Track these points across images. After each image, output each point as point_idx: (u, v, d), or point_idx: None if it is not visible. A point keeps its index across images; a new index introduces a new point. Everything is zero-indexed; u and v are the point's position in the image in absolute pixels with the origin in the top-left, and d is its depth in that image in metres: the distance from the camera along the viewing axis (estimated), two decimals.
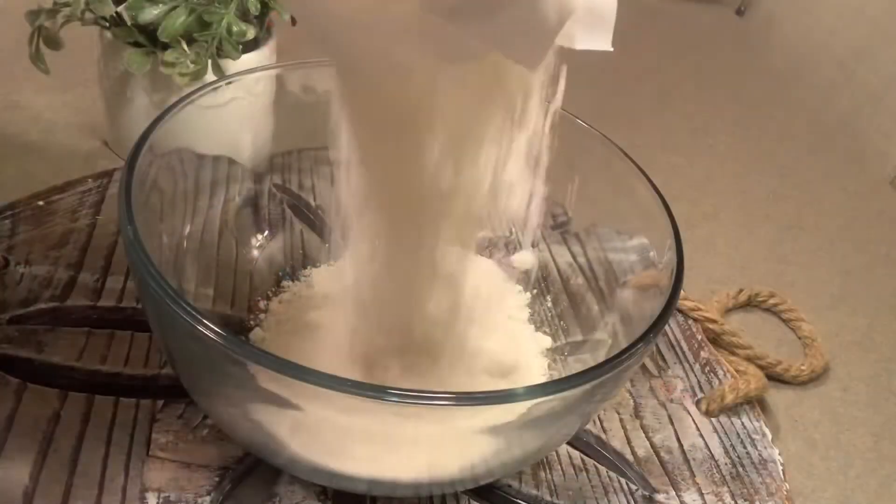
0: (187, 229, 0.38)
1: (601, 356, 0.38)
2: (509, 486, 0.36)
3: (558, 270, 0.45)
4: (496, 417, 0.27)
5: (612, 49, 0.23)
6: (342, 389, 0.24)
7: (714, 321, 0.48)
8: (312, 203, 0.46)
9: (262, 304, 0.41)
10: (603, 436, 0.40)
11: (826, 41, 0.95)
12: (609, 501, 0.37)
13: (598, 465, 0.38)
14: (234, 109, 0.38)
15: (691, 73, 0.94)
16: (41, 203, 0.45)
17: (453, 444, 0.29)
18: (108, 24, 0.47)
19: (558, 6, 0.20)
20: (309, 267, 0.44)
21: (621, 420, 0.41)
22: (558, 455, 0.38)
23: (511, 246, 0.46)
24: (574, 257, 0.44)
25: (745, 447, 0.41)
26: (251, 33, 0.48)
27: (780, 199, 0.70)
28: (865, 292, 0.60)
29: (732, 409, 0.43)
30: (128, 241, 0.28)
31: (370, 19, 0.22)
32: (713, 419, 0.42)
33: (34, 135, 0.55)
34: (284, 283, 0.43)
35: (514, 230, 0.47)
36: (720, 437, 0.41)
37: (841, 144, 0.83)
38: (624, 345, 0.30)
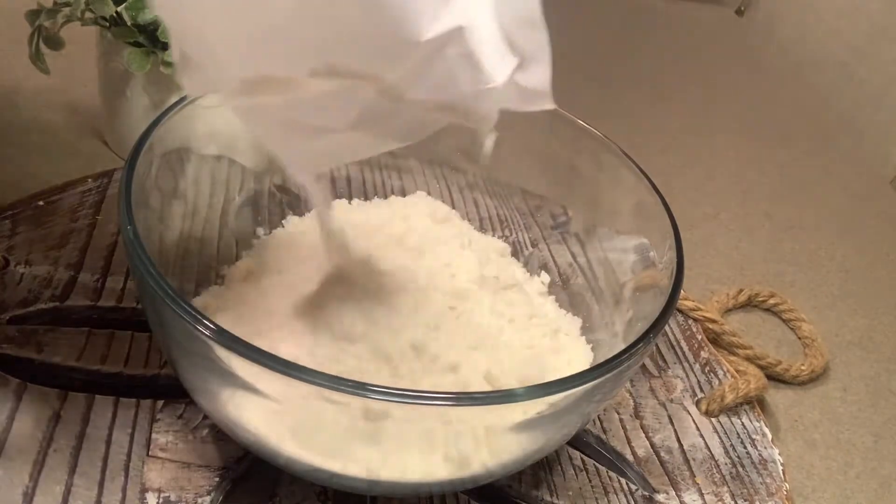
0: (187, 229, 0.38)
1: (601, 356, 0.38)
2: (509, 486, 0.36)
3: (558, 270, 0.45)
4: (496, 417, 0.28)
5: (554, 107, 0.25)
6: (345, 390, 0.24)
7: (714, 321, 0.48)
8: (312, 203, 0.46)
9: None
10: (603, 436, 0.40)
11: (826, 41, 0.95)
12: (609, 501, 0.37)
13: (598, 465, 0.38)
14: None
15: (691, 73, 0.94)
16: (41, 203, 0.45)
17: (453, 444, 0.29)
18: (108, 24, 0.47)
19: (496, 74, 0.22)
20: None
21: (621, 420, 0.41)
22: (558, 455, 0.38)
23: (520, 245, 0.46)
24: (574, 257, 0.44)
25: (745, 447, 0.41)
26: None
27: (780, 199, 0.70)
28: (865, 292, 0.60)
29: (732, 409, 0.43)
30: (128, 241, 0.28)
31: (324, 119, 0.24)
32: (713, 419, 0.42)
33: (34, 135, 0.55)
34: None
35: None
36: (720, 437, 0.41)
37: (841, 144, 0.83)
38: (624, 345, 0.30)
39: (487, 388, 0.33)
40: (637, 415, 0.41)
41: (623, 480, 0.38)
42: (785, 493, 0.39)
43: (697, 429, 0.41)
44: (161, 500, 0.32)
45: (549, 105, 0.25)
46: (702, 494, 0.38)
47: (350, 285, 0.34)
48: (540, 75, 0.24)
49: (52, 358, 0.37)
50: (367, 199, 0.46)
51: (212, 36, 0.22)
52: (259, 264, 0.40)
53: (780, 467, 0.40)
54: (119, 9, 0.45)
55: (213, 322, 0.25)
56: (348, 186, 0.47)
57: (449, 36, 0.21)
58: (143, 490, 0.32)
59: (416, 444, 0.29)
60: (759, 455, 0.41)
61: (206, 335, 0.25)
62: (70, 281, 0.40)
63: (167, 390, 0.36)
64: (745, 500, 0.38)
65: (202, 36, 0.22)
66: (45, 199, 0.45)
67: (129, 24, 0.46)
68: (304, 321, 0.33)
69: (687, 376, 0.45)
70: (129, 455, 0.33)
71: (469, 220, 0.47)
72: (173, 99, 0.36)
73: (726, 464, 0.40)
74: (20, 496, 0.31)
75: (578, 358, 0.39)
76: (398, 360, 0.32)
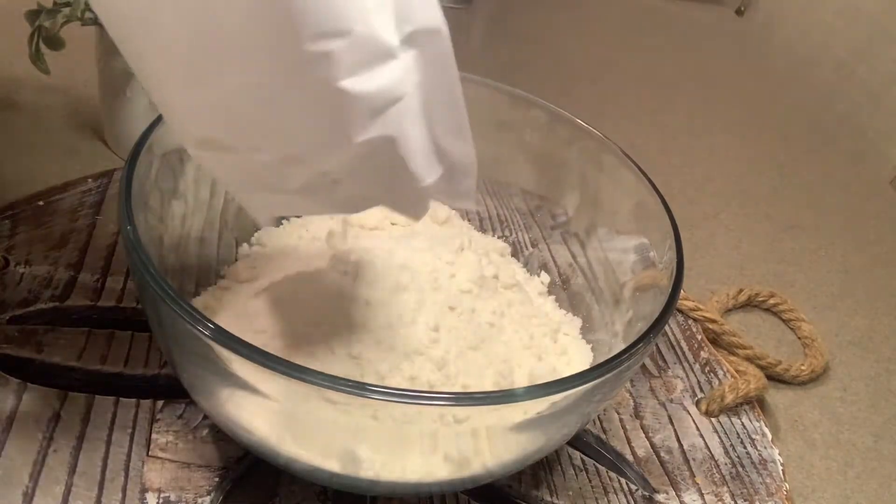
0: (187, 229, 0.38)
1: (601, 356, 0.38)
2: (509, 486, 0.36)
3: (558, 270, 0.45)
4: (496, 417, 0.28)
5: (476, 208, 0.28)
6: (345, 390, 0.24)
7: (714, 321, 0.48)
8: None
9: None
10: (603, 436, 0.40)
11: (826, 41, 0.95)
12: (609, 501, 0.37)
13: (598, 465, 0.38)
14: None
15: (691, 73, 0.94)
16: (41, 203, 0.45)
17: (453, 444, 0.29)
18: None
19: (425, 174, 0.25)
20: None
21: (621, 420, 0.41)
22: (558, 455, 0.38)
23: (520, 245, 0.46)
24: (574, 257, 0.44)
25: (745, 447, 0.41)
26: None
27: (780, 199, 0.70)
28: (865, 292, 0.60)
29: (732, 409, 0.43)
30: (128, 241, 0.28)
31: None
32: (713, 419, 0.42)
33: (34, 135, 0.55)
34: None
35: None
36: (720, 437, 0.41)
37: (841, 144, 0.83)
38: (624, 345, 0.30)
39: (488, 388, 0.33)
40: (637, 415, 0.41)
41: (623, 480, 0.38)
42: (785, 493, 0.39)
43: (697, 429, 0.41)
44: (161, 500, 0.32)
45: (472, 206, 0.28)
46: (702, 494, 0.38)
47: (350, 285, 0.34)
48: (466, 181, 0.26)
49: (52, 358, 0.37)
50: None
51: (168, 94, 0.25)
52: (259, 264, 0.40)
53: (780, 467, 0.40)
54: None
55: (213, 322, 0.25)
56: None
57: (380, 141, 0.23)
58: (143, 490, 0.32)
59: (416, 444, 0.29)
60: (759, 455, 0.41)
61: (206, 335, 0.25)
62: (70, 281, 0.40)
63: (167, 390, 0.36)
64: (745, 500, 0.38)
65: (162, 91, 0.25)
66: (45, 199, 0.45)
67: None
68: (304, 321, 0.33)
69: (687, 376, 0.45)
70: (129, 455, 0.33)
71: (469, 220, 0.47)
72: None
73: (726, 464, 0.40)
74: (20, 496, 0.31)
75: (578, 358, 0.39)
76: (398, 359, 0.32)
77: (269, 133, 0.24)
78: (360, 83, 0.22)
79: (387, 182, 0.25)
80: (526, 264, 0.46)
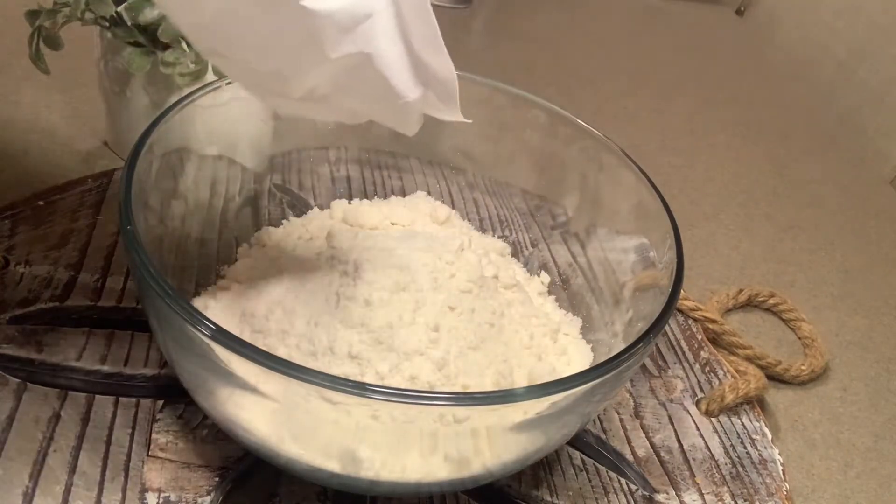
0: (187, 229, 0.38)
1: (601, 356, 0.38)
2: (509, 486, 0.36)
3: (558, 270, 0.45)
4: (496, 417, 0.28)
5: (467, 120, 0.28)
6: (345, 390, 0.24)
7: (714, 321, 0.48)
8: (312, 203, 0.46)
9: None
10: (603, 436, 0.40)
11: (826, 41, 0.95)
12: (609, 501, 0.37)
13: (598, 465, 0.38)
14: (234, 109, 0.38)
15: (691, 73, 0.94)
16: (41, 203, 0.45)
17: (453, 444, 0.29)
18: (108, 24, 0.47)
19: (411, 89, 0.26)
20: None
21: (621, 420, 0.41)
22: (558, 455, 0.38)
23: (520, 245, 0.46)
24: (574, 257, 0.44)
25: (745, 447, 0.41)
26: None
27: (780, 199, 0.70)
28: (865, 292, 0.60)
29: (732, 409, 0.43)
30: (128, 241, 0.28)
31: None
32: (713, 419, 0.42)
33: (34, 135, 0.55)
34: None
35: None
36: (720, 437, 0.41)
37: (841, 144, 0.83)
38: (624, 345, 0.30)
39: (488, 388, 0.33)
40: (637, 415, 0.41)
41: (623, 480, 0.38)
42: (785, 493, 0.39)
43: (697, 429, 0.41)
44: (161, 500, 0.32)
45: (459, 117, 0.28)
46: (702, 494, 0.38)
47: (350, 285, 0.34)
48: (448, 92, 0.27)
49: (52, 358, 0.37)
50: (367, 198, 0.46)
51: (169, 12, 0.26)
52: (259, 265, 0.40)
53: (780, 467, 0.40)
54: (119, 9, 0.45)
55: (213, 322, 0.25)
56: (348, 186, 0.47)
57: (358, 58, 0.24)
58: (143, 490, 0.32)
59: (416, 444, 0.29)
60: (759, 455, 0.41)
61: (206, 335, 0.25)
62: (70, 281, 0.40)
63: (167, 390, 0.36)
64: (745, 500, 0.38)
65: (164, 9, 0.27)
66: (45, 199, 0.45)
67: (129, 24, 0.46)
68: (304, 321, 0.33)
69: (687, 376, 0.45)
70: (129, 455, 0.33)
71: (469, 220, 0.47)
72: (173, 99, 0.36)
73: (726, 464, 0.40)
74: (20, 496, 0.31)
75: (578, 358, 0.39)
76: (398, 360, 0.32)
77: (253, 50, 0.25)
78: (324, 2, 0.22)
79: (373, 97, 0.26)
80: (526, 264, 0.46)
